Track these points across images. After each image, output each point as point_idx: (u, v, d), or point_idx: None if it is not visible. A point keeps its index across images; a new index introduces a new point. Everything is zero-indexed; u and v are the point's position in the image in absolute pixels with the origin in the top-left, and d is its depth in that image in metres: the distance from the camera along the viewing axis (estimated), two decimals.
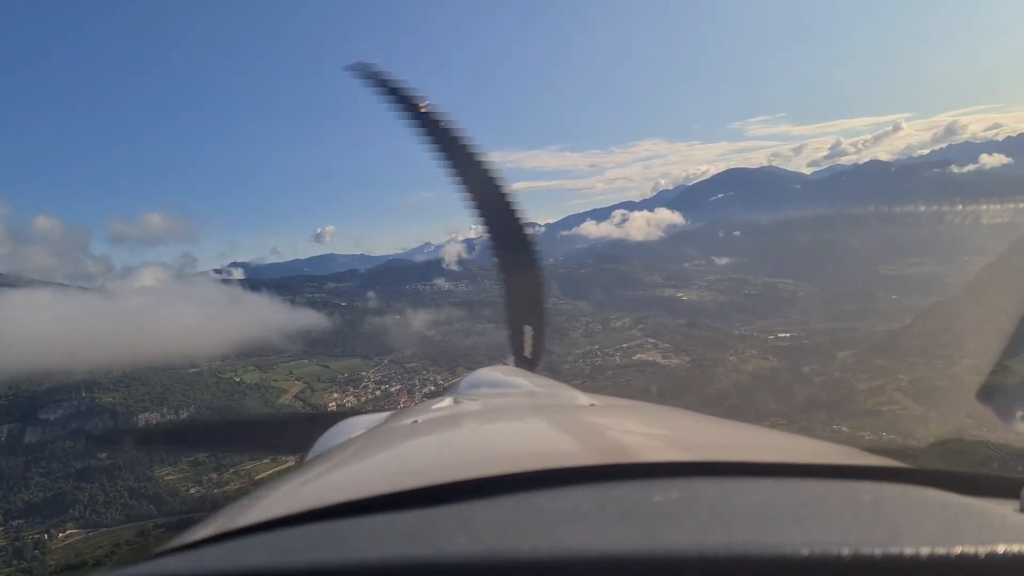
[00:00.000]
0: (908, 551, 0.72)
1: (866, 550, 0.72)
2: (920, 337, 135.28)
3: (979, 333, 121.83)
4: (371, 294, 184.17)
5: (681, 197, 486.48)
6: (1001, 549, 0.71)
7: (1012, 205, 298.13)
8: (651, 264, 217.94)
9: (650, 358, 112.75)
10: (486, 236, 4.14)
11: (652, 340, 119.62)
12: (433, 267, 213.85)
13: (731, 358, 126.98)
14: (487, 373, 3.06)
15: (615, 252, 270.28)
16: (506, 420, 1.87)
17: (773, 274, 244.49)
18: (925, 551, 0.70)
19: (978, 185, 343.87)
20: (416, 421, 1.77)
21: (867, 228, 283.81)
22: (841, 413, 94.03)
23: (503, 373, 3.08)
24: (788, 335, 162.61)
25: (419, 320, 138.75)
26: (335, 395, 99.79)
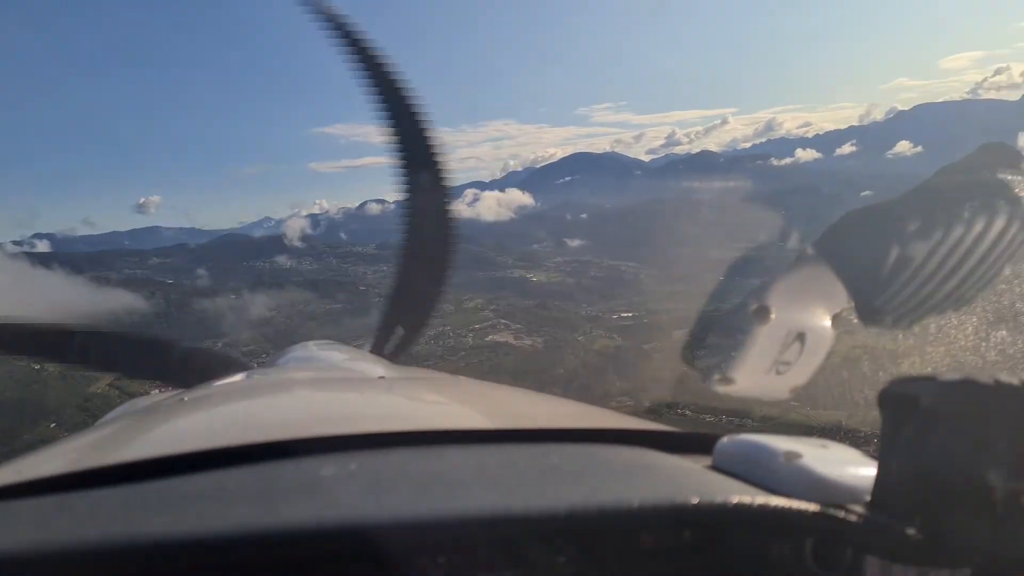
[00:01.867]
0: (582, 507, 0.78)
1: (533, 509, 0.76)
2: (743, 313, 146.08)
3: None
4: (201, 271, 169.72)
5: (530, 179, 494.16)
6: (679, 502, 0.76)
7: (820, 196, 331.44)
8: (502, 245, 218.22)
9: (503, 339, 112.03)
10: (403, 207, 3.58)
11: (504, 321, 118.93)
12: (273, 243, 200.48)
13: (580, 338, 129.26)
14: (300, 349, 2.96)
15: (466, 232, 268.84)
16: (271, 393, 1.82)
17: (617, 256, 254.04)
18: (600, 505, 0.76)
19: (794, 176, 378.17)
20: (185, 399, 1.72)
21: (700, 214, 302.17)
22: (684, 393, 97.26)
23: (319, 348, 2.96)
24: (631, 315, 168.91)
25: (258, 302, 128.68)
26: (158, 384, 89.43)
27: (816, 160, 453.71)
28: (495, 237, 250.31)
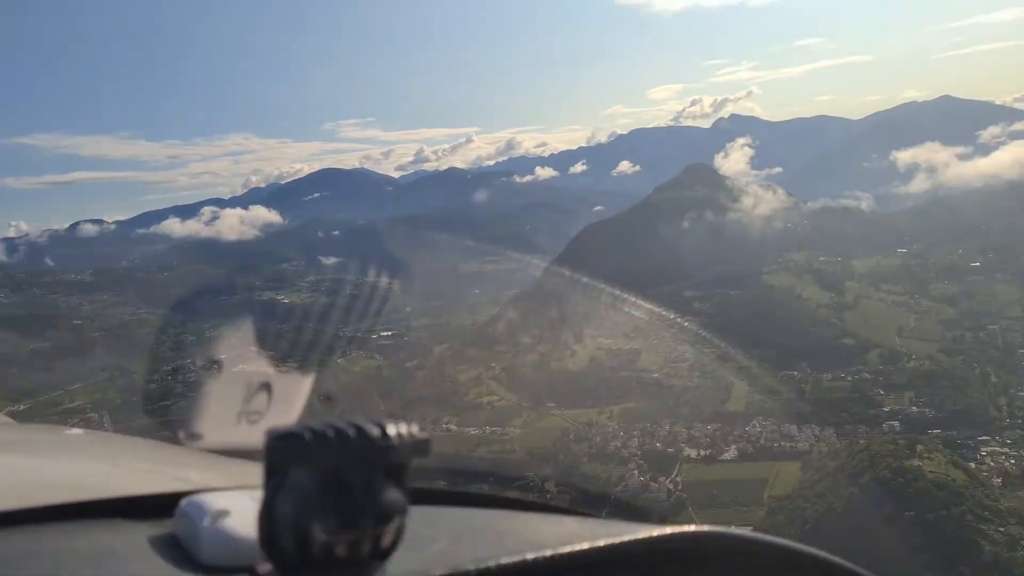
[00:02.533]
0: None
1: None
2: (504, 328, 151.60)
3: (548, 321, 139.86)
4: None
5: (275, 195, 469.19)
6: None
7: (560, 210, 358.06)
8: (247, 265, 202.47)
9: (253, 368, 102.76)
10: None
11: (253, 349, 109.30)
12: None
13: (339, 360, 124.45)
14: None
15: (205, 253, 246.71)
16: None
17: (372, 273, 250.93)
18: None
19: (535, 192, 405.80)
20: None
21: (451, 229, 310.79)
22: (449, 409, 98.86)
23: None
24: (390, 333, 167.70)
25: None
26: None
27: (553, 177, 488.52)
28: (239, 257, 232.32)
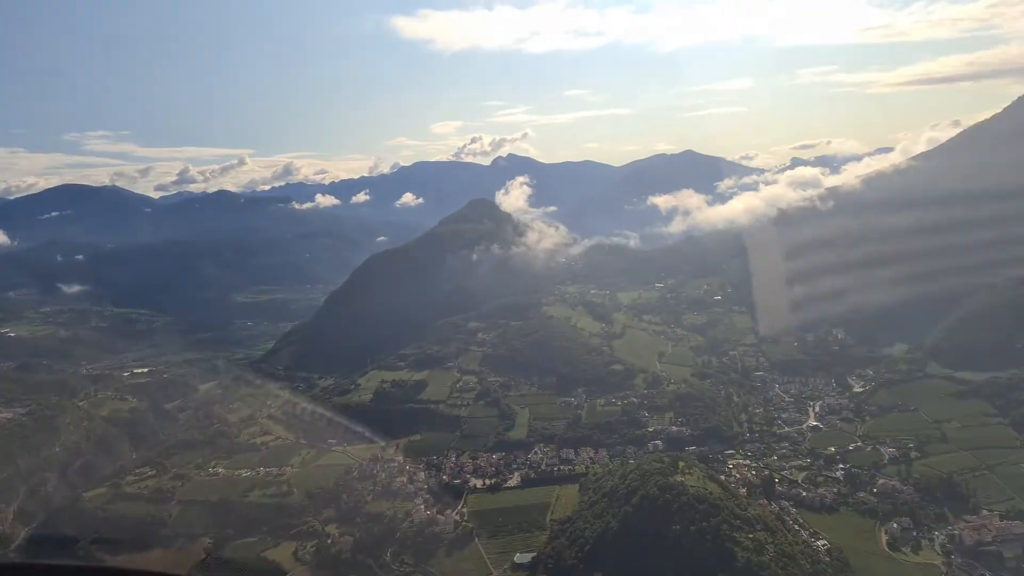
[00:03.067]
0: None
1: None
2: (285, 360, 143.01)
3: (337, 352, 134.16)
4: None
5: (2, 212, 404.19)
6: None
7: (343, 240, 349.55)
8: None
9: None
10: None
11: None
12: None
13: (81, 403, 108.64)
14: None
15: None
16: None
17: (125, 303, 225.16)
18: None
19: (316, 220, 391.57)
20: None
21: (221, 256, 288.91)
22: (217, 452, 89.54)
23: None
24: (146, 370, 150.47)
25: None
26: None
27: (335, 206, 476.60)
28: None
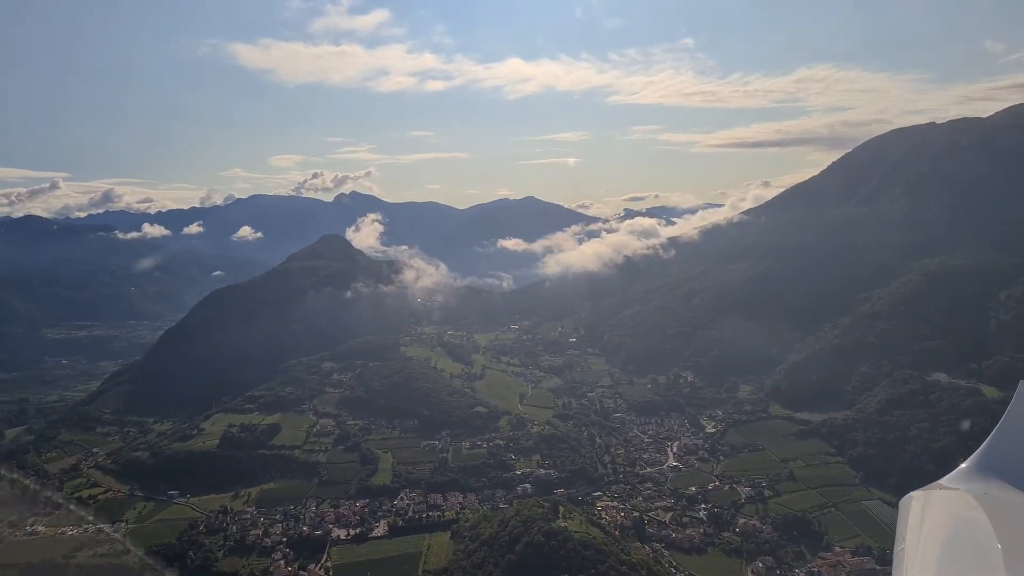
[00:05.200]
0: None
1: None
2: (113, 403, 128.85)
3: (175, 394, 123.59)
4: None
5: None
6: None
7: (174, 273, 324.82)
8: None
9: None
10: None
11: None
12: None
13: None
14: None
15: None
16: None
17: None
18: None
19: (142, 250, 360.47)
20: None
21: (29, 288, 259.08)
22: (35, 508, 78.33)
23: None
24: None
25: None
26: None
27: (165, 237, 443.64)
28: None
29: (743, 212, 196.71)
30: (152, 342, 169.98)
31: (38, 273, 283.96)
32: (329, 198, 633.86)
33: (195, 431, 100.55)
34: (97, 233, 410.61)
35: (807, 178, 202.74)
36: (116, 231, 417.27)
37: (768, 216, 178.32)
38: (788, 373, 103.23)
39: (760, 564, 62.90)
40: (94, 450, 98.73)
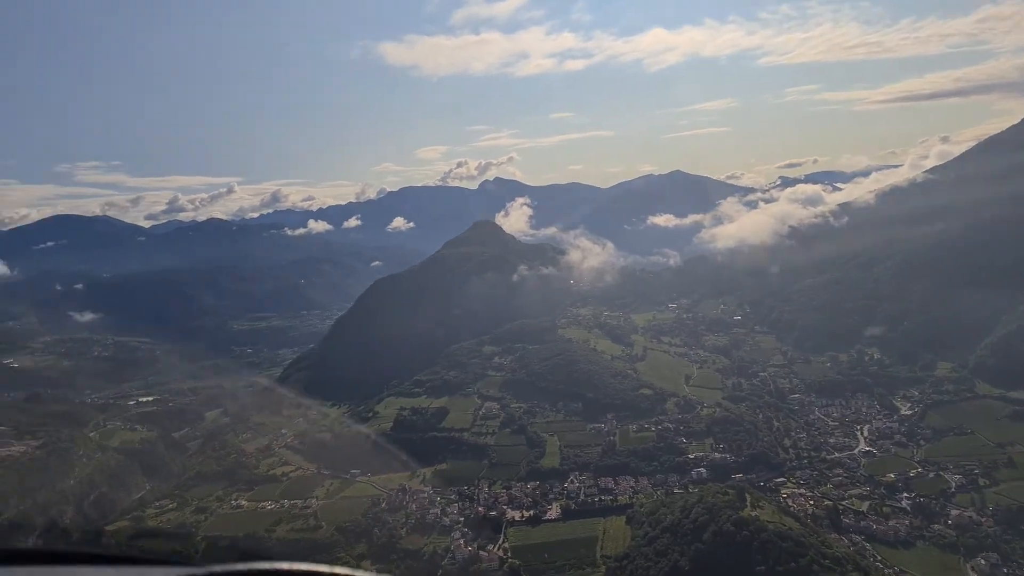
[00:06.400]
0: None
1: None
2: (293, 388, 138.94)
3: (349, 378, 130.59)
4: None
5: None
6: None
7: (338, 265, 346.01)
8: None
9: None
10: None
11: None
12: None
13: (91, 435, 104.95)
14: None
15: None
16: None
17: (125, 332, 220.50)
18: None
19: (308, 246, 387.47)
20: None
21: (216, 284, 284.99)
22: (237, 484, 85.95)
23: None
24: (151, 399, 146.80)
25: None
26: None
27: (328, 231, 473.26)
28: None
29: (927, 171, 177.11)
30: (323, 331, 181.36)
31: (222, 270, 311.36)
32: (474, 185, 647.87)
33: (370, 414, 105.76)
34: (269, 231, 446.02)
35: (1001, 129, 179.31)
36: (285, 228, 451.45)
37: (958, 173, 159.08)
38: (997, 346, 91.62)
39: (983, 561, 55.91)
40: (282, 431, 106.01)
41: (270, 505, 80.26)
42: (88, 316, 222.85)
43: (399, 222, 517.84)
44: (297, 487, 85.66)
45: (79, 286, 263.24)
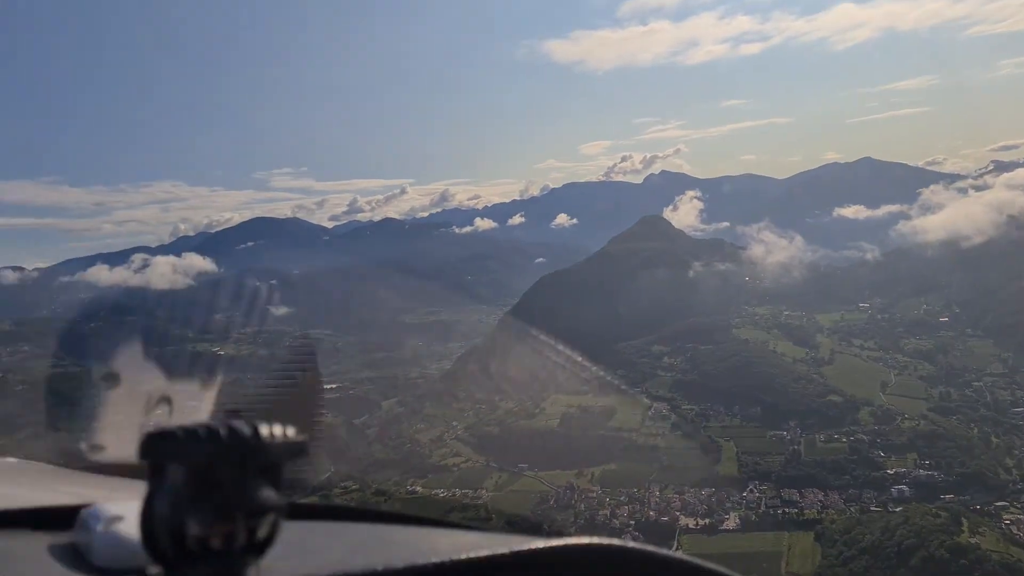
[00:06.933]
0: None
1: None
2: (462, 382, 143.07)
3: (508, 377, 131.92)
4: None
5: (205, 244, 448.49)
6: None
7: (502, 262, 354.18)
8: (180, 316, 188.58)
9: None
10: None
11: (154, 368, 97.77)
12: None
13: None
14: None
15: (133, 302, 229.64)
16: None
17: (311, 325, 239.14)
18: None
19: (474, 244, 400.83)
20: None
21: (390, 279, 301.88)
22: (412, 471, 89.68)
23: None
24: (335, 386, 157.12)
25: None
26: None
27: (493, 229, 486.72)
28: (170, 307, 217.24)
29: None
30: (489, 326, 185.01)
31: (395, 266, 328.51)
32: (639, 180, 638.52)
33: (537, 410, 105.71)
34: (439, 229, 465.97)
35: None
36: (453, 226, 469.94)
37: None
38: None
39: None
40: (453, 423, 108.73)
41: (442, 493, 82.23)
42: (282, 310, 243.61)
43: (562, 218, 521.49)
44: (467, 477, 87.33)
45: (272, 282, 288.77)
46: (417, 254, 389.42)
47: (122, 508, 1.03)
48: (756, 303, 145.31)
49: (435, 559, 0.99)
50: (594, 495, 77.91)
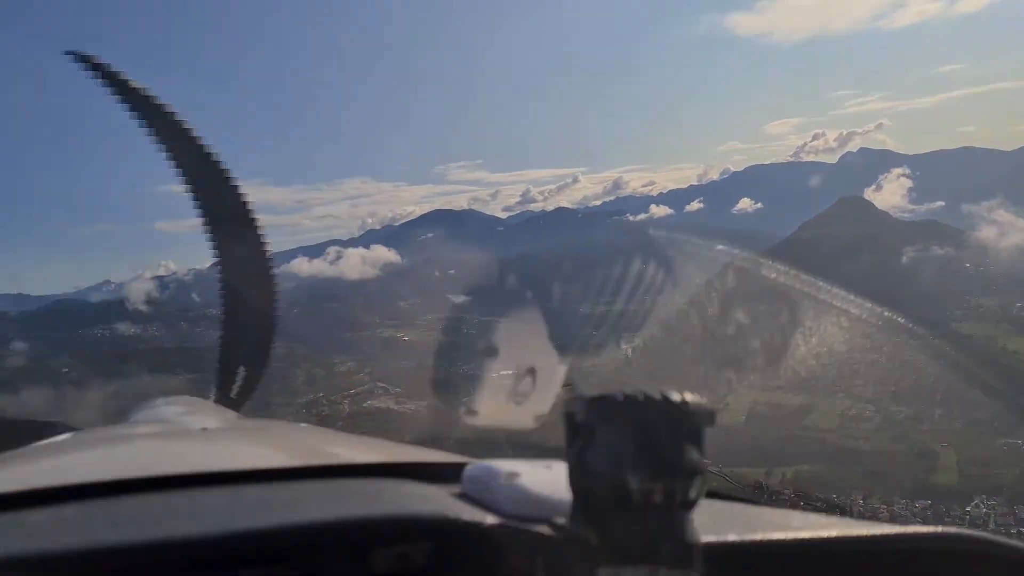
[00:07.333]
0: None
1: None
2: (636, 374, 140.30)
3: (686, 367, 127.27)
4: (20, 344, 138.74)
5: (390, 236, 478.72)
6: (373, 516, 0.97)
7: (678, 250, 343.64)
8: (369, 303, 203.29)
9: (382, 405, 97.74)
10: (213, 251, 3.97)
11: (382, 385, 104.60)
12: (113, 308, 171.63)
13: (464, 399, 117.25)
14: (148, 407, 3.15)
15: (330, 291, 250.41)
16: (97, 446, 2.15)
17: (487, 313, 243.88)
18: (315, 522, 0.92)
19: (649, 231, 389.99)
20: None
21: (563, 269, 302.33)
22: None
23: (166, 404, 3.14)
24: (510, 372, 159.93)
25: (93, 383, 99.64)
26: None
27: (669, 215, 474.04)
28: (361, 295, 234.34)
29: None
30: (664, 316, 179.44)
31: (569, 257, 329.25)
32: (832, 159, 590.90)
33: (722, 405, 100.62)
34: (612, 217, 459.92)
35: None
36: (627, 214, 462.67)
37: None
38: None
39: None
40: None
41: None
42: (461, 299, 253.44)
43: (745, 203, 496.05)
44: None
45: (451, 271, 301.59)
46: (590, 243, 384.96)
47: (511, 467, 1.12)
48: (981, 293, 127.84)
49: (823, 533, 1.04)
50: (786, 497, 72.21)
